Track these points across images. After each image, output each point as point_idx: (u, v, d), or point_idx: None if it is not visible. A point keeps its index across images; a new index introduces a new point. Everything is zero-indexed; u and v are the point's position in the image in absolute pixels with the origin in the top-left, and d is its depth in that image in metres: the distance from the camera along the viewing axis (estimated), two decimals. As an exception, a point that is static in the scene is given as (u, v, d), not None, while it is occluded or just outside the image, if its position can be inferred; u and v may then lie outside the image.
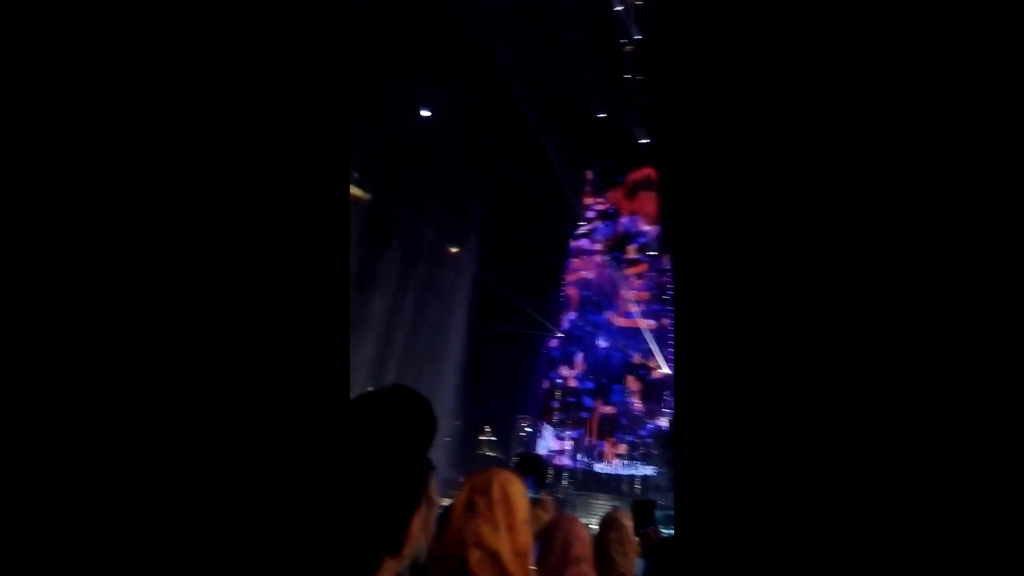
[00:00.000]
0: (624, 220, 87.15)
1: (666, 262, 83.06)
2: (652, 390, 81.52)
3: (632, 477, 74.53)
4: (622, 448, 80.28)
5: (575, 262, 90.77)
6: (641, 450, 75.02)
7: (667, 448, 57.75)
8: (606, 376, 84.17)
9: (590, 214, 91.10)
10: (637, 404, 79.37)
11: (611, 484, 75.34)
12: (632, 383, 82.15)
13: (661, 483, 56.97)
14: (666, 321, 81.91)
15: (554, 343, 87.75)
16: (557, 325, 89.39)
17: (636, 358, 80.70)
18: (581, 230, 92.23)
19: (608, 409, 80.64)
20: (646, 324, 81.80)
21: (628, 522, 2.53)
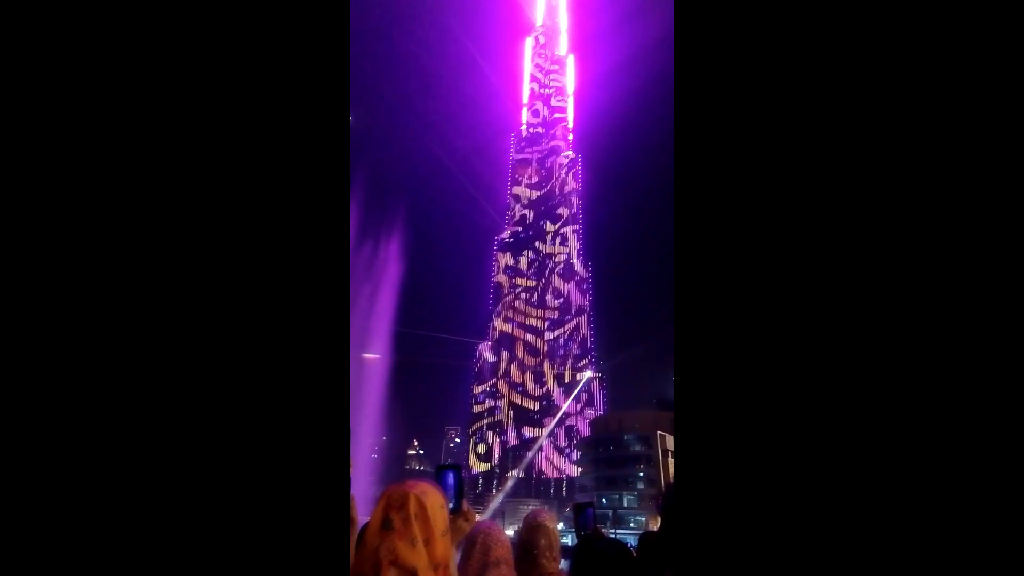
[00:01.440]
0: (526, 225, 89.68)
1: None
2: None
3: (560, 481, 76.17)
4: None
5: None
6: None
7: (590, 450, 59.64)
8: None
9: (511, 228, 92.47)
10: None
11: (540, 489, 76.53)
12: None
13: (586, 483, 58.71)
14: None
15: (482, 350, 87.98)
16: (484, 333, 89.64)
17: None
18: (505, 235, 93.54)
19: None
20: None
21: (552, 524, 2.60)
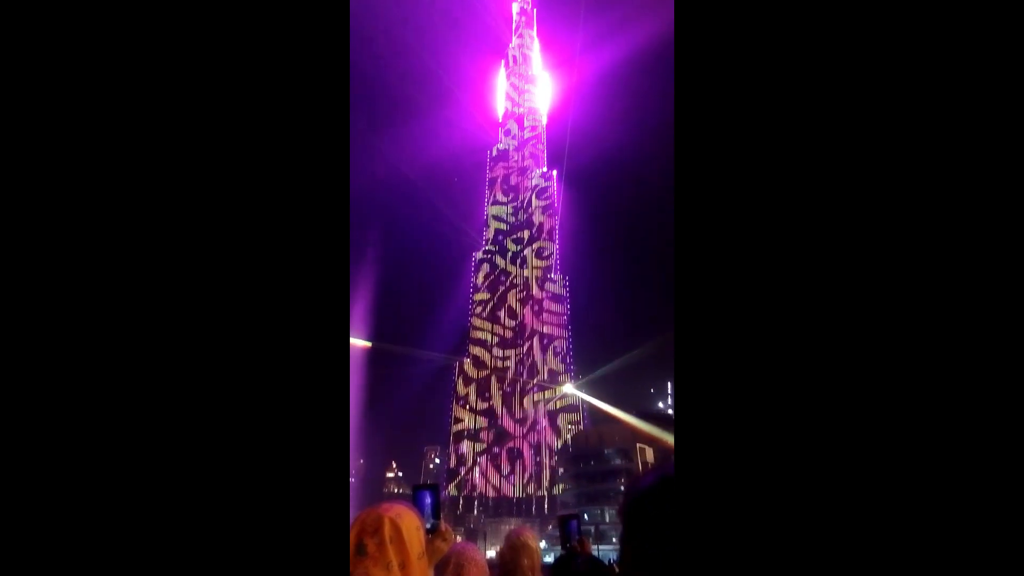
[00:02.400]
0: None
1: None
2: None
3: (542, 499, 75.35)
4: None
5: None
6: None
7: (571, 465, 59.31)
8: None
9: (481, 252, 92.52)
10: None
11: (521, 507, 75.43)
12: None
13: (567, 500, 58.16)
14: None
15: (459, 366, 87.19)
16: (463, 350, 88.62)
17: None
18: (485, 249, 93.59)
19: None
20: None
21: (534, 543, 2.52)
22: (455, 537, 1.86)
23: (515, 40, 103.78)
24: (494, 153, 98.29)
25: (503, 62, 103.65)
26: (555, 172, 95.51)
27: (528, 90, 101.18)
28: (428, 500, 1.59)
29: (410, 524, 1.29)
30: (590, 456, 56.70)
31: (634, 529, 0.98)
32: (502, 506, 76.48)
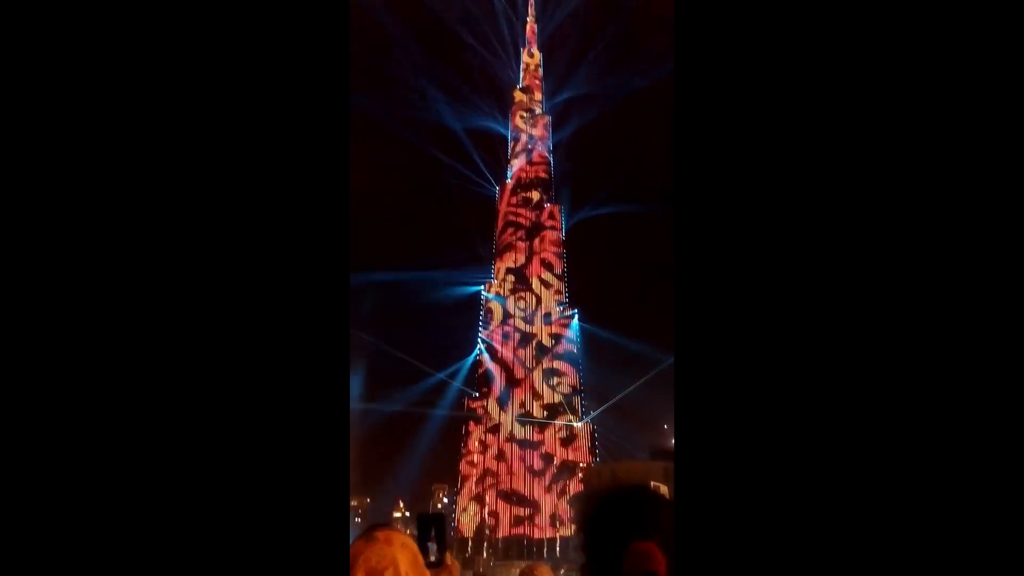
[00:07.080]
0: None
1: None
2: None
3: (553, 541, 72.64)
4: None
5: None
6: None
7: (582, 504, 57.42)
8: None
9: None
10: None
11: (532, 550, 72.58)
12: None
13: (578, 542, 55.75)
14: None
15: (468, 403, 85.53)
16: (475, 385, 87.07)
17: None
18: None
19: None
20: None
21: None
22: (459, 569, 1.94)
23: (522, 79, 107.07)
24: (501, 192, 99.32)
25: (514, 95, 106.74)
26: (561, 207, 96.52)
27: (535, 128, 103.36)
28: (433, 531, 1.56)
29: (417, 560, 1.29)
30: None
31: (597, 530, 1.00)
32: (512, 548, 73.82)
